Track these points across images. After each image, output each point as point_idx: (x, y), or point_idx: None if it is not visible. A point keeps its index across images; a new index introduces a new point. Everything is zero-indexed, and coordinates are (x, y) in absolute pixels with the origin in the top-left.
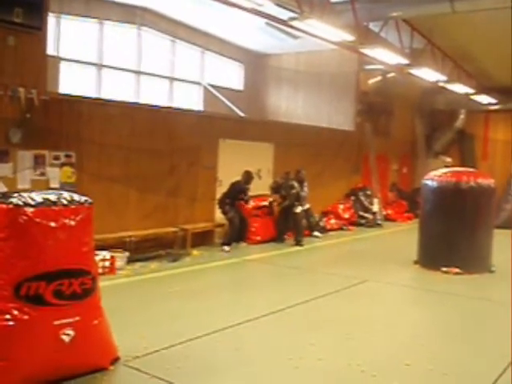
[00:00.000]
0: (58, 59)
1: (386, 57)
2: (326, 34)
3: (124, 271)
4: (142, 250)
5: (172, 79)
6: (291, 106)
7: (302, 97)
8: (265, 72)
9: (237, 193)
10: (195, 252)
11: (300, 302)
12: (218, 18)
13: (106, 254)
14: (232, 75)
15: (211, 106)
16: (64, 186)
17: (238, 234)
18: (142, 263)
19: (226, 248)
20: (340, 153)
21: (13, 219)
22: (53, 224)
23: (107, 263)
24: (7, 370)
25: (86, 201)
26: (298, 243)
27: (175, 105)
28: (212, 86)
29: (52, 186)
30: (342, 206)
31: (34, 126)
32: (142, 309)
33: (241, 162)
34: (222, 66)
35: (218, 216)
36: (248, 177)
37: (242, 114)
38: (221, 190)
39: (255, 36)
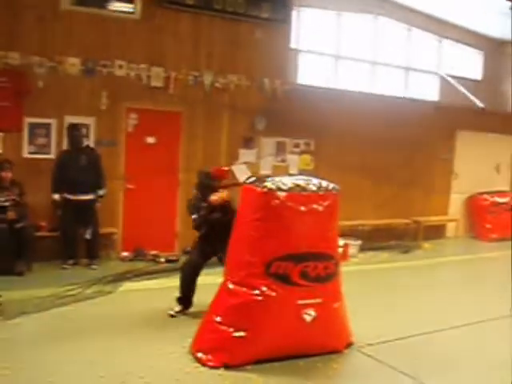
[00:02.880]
0: (297, 51)
1: None
2: None
3: (356, 259)
4: (373, 240)
5: (407, 69)
6: None
7: None
8: (506, 60)
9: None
10: (427, 245)
11: None
12: (457, 4)
13: (340, 241)
14: (470, 64)
15: (447, 96)
16: (302, 173)
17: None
18: (373, 252)
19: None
20: None
21: (267, 202)
22: (302, 208)
23: (341, 249)
24: (252, 339)
25: (333, 188)
26: None
27: (410, 95)
28: (449, 75)
29: (291, 172)
30: None
31: (276, 115)
32: (372, 297)
33: (478, 155)
34: (459, 54)
35: (453, 210)
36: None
37: (480, 105)
38: (457, 184)
39: (497, 22)
